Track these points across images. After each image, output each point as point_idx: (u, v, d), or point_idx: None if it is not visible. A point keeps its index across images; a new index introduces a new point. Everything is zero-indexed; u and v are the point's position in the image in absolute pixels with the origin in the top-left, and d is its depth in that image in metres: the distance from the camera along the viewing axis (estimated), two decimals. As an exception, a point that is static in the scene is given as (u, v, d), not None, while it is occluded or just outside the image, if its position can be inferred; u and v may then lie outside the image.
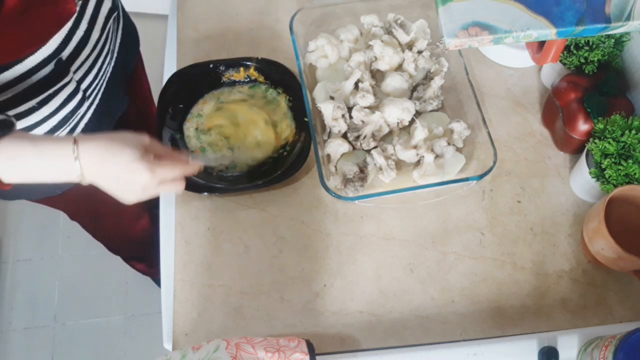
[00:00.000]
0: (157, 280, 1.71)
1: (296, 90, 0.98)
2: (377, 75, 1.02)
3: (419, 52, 1.01)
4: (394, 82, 0.97)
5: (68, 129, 0.90)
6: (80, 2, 0.83)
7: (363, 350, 0.84)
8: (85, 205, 1.16)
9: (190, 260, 0.90)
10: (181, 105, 1.00)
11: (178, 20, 1.12)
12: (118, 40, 0.99)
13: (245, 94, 1.02)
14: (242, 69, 1.02)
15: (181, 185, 0.78)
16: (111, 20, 0.94)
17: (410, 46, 1.03)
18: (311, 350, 0.78)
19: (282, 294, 0.87)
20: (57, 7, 0.80)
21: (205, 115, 1.00)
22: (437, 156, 0.92)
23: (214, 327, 0.85)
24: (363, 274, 0.89)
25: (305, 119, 0.94)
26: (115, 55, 0.98)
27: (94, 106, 0.94)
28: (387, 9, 1.05)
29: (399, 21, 1.03)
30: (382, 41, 0.99)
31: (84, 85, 0.89)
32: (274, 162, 0.96)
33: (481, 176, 0.88)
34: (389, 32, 1.03)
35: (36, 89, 0.81)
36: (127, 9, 1.08)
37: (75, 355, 1.70)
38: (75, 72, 0.86)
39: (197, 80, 1.01)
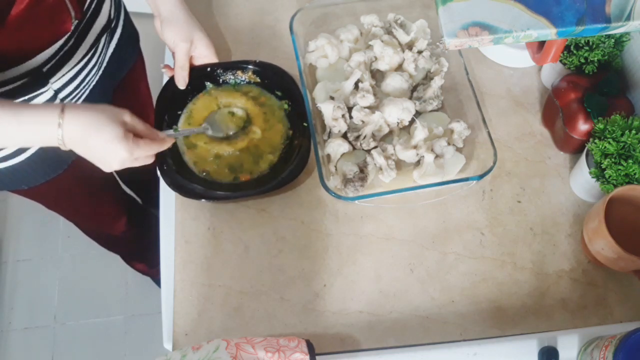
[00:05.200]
0: (157, 280, 1.71)
1: (295, 93, 0.97)
2: (377, 75, 1.01)
3: (419, 52, 1.01)
4: (394, 82, 0.97)
5: None
6: (77, 21, 0.83)
7: (363, 350, 0.84)
8: (60, 203, 1.15)
9: (190, 260, 0.90)
10: (179, 112, 0.99)
11: (178, 20, 1.12)
12: (110, 52, 0.99)
13: (242, 98, 1.01)
14: (239, 72, 1.01)
15: (152, 160, 0.83)
16: (103, 36, 0.93)
17: (410, 46, 1.02)
18: (311, 350, 0.78)
19: (282, 294, 0.87)
20: (53, 24, 0.80)
21: (195, 114, 0.99)
22: (437, 156, 0.91)
23: (214, 327, 0.85)
24: (363, 274, 0.89)
25: (305, 124, 0.94)
26: (104, 65, 0.98)
27: None
28: (387, 9, 1.05)
29: (399, 21, 1.03)
30: (382, 41, 0.99)
31: (62, 95, 0.88)
32: (272, 167, 0.95)
33: (481, 176, 0.88)
34: (389, 32, 1.03)
35: (10, 94, 0.80)
36: (129, 9, 1.07)
37: (75, 355, 1.71)
38: (54, 82, 0.85)
39: (195, 84, 1.00)
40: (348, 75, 0.97)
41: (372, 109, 0.95)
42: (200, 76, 1.00)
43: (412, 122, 0.95)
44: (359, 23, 1.05)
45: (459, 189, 0.92)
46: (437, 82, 0.96)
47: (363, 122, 0.94)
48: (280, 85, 1.00)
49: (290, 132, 0.97)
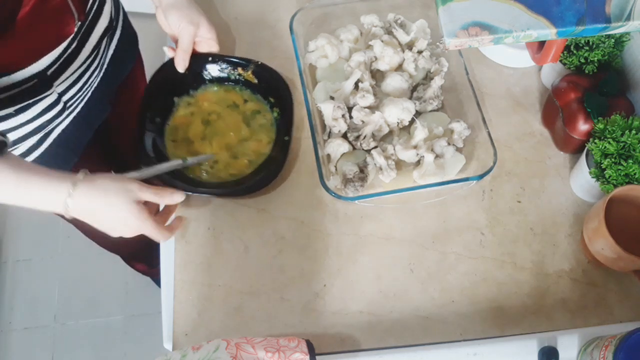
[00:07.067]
0: (157, 280, 1.71)
1: (287, 103, 0.96)
2: (377, 75, 1.01)
3: (419, 52, 1.01)
4: (394, 82, 0.97)
5: (43, 134, 0.90)
6: (79, 23, 0.83)
7: (363, 350, 0.84)
8: None
9: (190, 260, 0.90)
10: (173, 98, 0.98)
11: (178, 20, 1.12)
12: (110, 54, 0.99)
13: (232, 99, 1.00)
14: (240, 68, 1.00)
15: (174, 232, 0.85)
16: (105, 38, 0.93)
17: (410, 46, 1.03)
18: (311, 350, 0.78)
19: (282, 294, 0.87)
20: (57, 27, 0.80)
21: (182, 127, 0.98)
22: (437, 156, 0.92)
23: (214, 327, 0.85)
24: (363, 274, 0.89)
25: (286, 138, 0.93)
26: (105, 67, 0.98)
27: (73, 115, 0.93)
28: (387, 9, 1.05)
29: (399, 21, 1.03)
30: (382, 41, 0.99)
31: (65, 97, 0.88)
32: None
33: (481, 176, 0.88)
34: (389, 32, 1.03)
35: (15, 98, 0.81)
36: (127, 9, 1.07)
37: (75, 355, 1.71)
38: (58, 85, 0.85)
39: (194, 72, 0.99)
40: (348, 75, 0.97)
41: (372, 109, 0.95)
42: (201, 63, 0.99)
43: (412, 122, 0.95)
44: (359, 23, 1.05)
45: (459, 189, 0.92)
46: (437, 82, 0.96)
47: (363, 122, 0.94)
48: (276, 92, 0.99)
49: (273, 143, 0.96)
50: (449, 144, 0.93)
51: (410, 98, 0.98)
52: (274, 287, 0.88)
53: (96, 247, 1.46)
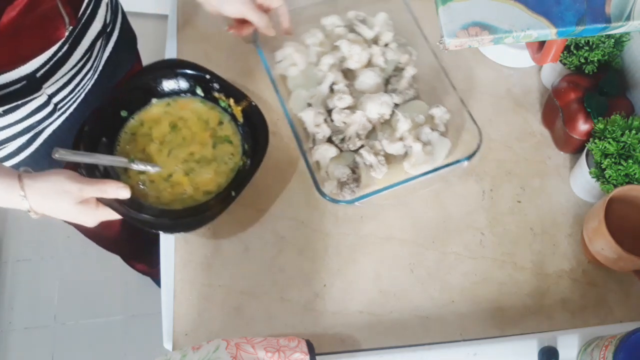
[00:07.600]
0: (157, 281, 1.71)
1: (259, 156, 0.88)
2: (349, 75, 1.00)
3: (386, 45, 1.01)
4: (367, 79, 0.97)
5: (32, 134, 0.89)
6: (71, 27, 0.83)
7: (363, 350, 0.84)
8: None
9: (190, 260, 0.90)
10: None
11: (178, 20, 1.12)
12: (105, 56, 0.97)
13: (210, 117, 0.94)
14: (232, 99, 0.92)
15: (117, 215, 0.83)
16: (99, 41, 0.92)
17: (375, 41, 1.02)
18: (311, 350, 0.78)
19: (282, 294, 0.87)
20: (47, 31, 0.79)
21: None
22: (424, 144, 0.91)
23: (214, 327, 0.85)
24: (363, 274, 0.89)
25: (233, 194, 0.85)
26: (100, 69, 0.97)
27: (65, 115, 0.92)
28: (350, 7, 1.03)
29: (360, 18, 1.02)
30: (348, 40, 0.99)
31: (56, 99, 0.87)
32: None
33: (470, 156, 0.86)
34: (352, 30, 1.02)
35: (3, 99, 0.80)
36: (126, 8, 1.07)
37: (75, 355, 1.70)
38: (48, 87, 0.84)
39: (183, 83, 0.94)
40: (320, 79, 0.96)
41: (352, 108, 0.94)
42: (194, 77, 0.95)
43: (393, 114, 0.94)
44: (321, 26, 1.03)
45: (452, 173, 0.91)
46: (409, 72, 0.96)
47: (345, 123, 0.93)
48: (254, 142, 0.91)
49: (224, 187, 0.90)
50: (432, 130, 0.92)
51: (386, 91, 0.97)
52: (274, 287, 0.88)
53: (96, 247, 1.46)
